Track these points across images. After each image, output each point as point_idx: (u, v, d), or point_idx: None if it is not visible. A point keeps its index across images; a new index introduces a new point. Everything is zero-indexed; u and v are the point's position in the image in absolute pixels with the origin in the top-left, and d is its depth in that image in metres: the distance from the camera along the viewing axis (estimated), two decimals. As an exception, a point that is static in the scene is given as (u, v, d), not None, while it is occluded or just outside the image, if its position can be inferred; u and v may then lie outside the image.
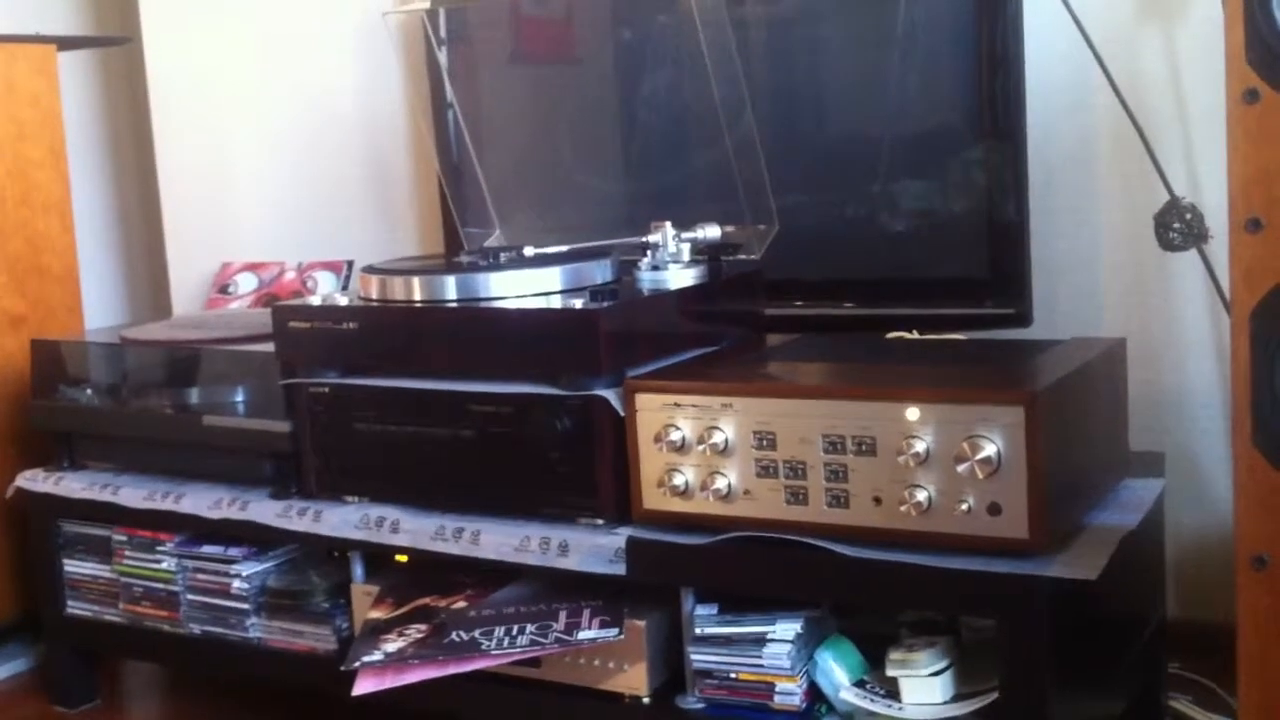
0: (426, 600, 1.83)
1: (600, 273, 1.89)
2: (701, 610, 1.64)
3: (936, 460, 1.48)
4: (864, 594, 1.57)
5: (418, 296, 1.84)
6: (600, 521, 1.70)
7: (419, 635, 1.76)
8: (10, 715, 2.30)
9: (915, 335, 1.95)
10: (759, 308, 2.00)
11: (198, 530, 2.05)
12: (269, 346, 1.95)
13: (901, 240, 2.04)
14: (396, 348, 1.84)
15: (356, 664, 1.75)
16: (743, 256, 1.98)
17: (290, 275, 2.68)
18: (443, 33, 2.38)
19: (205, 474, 2.07)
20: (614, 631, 1.66)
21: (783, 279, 2.03)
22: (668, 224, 1.91)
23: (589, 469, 1.70)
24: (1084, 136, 2.08)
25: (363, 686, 1.73)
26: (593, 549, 1.67)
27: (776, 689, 1.59)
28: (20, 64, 2.49)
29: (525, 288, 1.82)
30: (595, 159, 2.33)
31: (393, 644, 1.76)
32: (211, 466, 2.05)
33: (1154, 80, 2.03)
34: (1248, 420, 1.26)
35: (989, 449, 1.44)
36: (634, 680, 1.69)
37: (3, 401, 2.40)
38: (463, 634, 1.73)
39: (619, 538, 1.66)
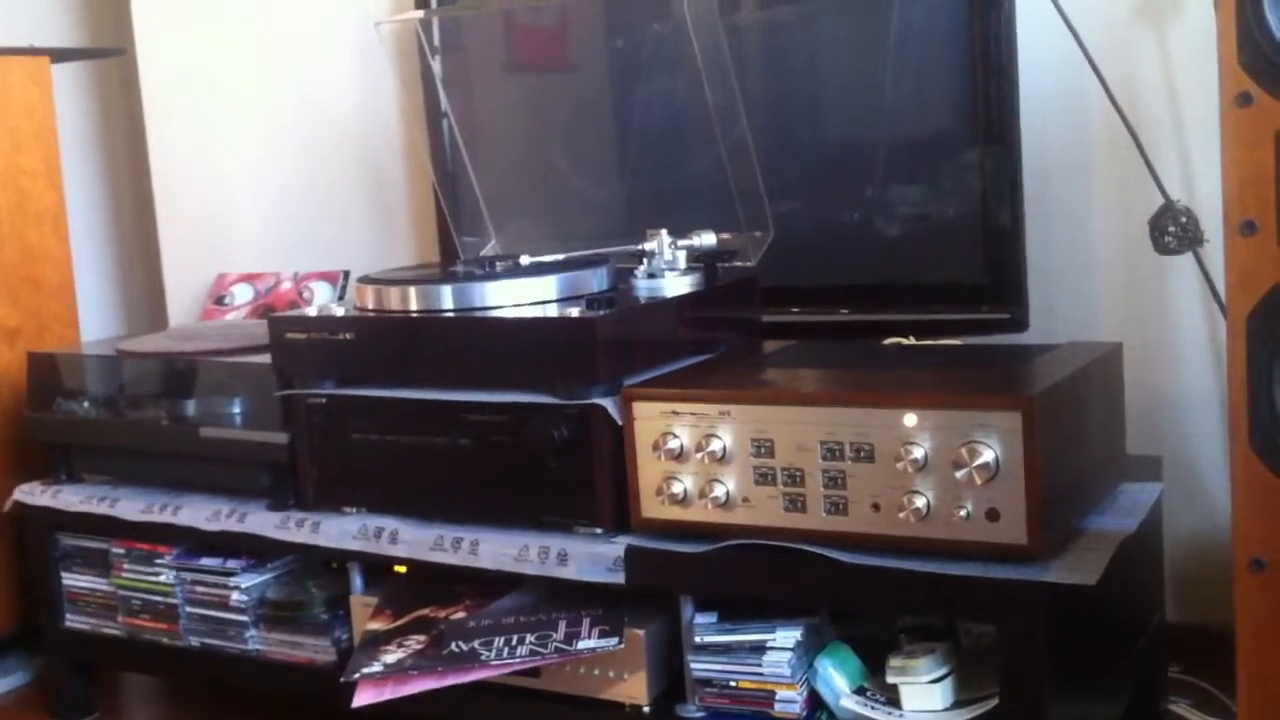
0: (425, 611, 1.83)
1: (596, 281, 1.89)
2: (701, 618, 1.64)
3: (934, 466, 1.48)
4: (863, 601, 1.57)
5: (414, 306, 1.84)
6: (599, 530, 1.70)
7: (418, 646, 1.76)
8: (9, 729, 2.30)
9: (912, 341, 1.95)
10: (755, 314, 2.00)
11: (196, 542, 2.04)
12: (266, 358, 1.95)
13: (897, 246, 2.04)
14: (393, 358, 1.84)
15: (356, 675, 1.74)
16: (739, 263, 1.98)
17: (286, 286, 2.68)
18: (436, 42, 2.38)
19: (203, 486, 2.07)
20: (613, 640, 1.66)
21: (779, 285, 2.03)
22: (663, 231, 1.92)
23: (587, 478, 1.69)
24: (1078, 141, 2.09)
25: (362, 698, 1.73)
26: (591, 558, 1.67)
27: (777, 697, 1.59)
28: (14, 76, 2.48)
29: (522, 296, 1.82)
30: (590, 167, 2.33)
31: (392, 655, 1.76)
32: (209, 478, 2.05)
33: (1148, 84, 2.03)
34: (1245, 424, 1.26)
35: (987, 454, 1.44)
36: (634, 689, 1.68)
37: (-1, 415, 2.41)
38: (462, 644, 1.72)
39: (618, 546, 1.66)
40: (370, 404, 1.85)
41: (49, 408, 2.23)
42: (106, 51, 2.94)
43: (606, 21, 2.31)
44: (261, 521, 1.94)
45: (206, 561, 2.04)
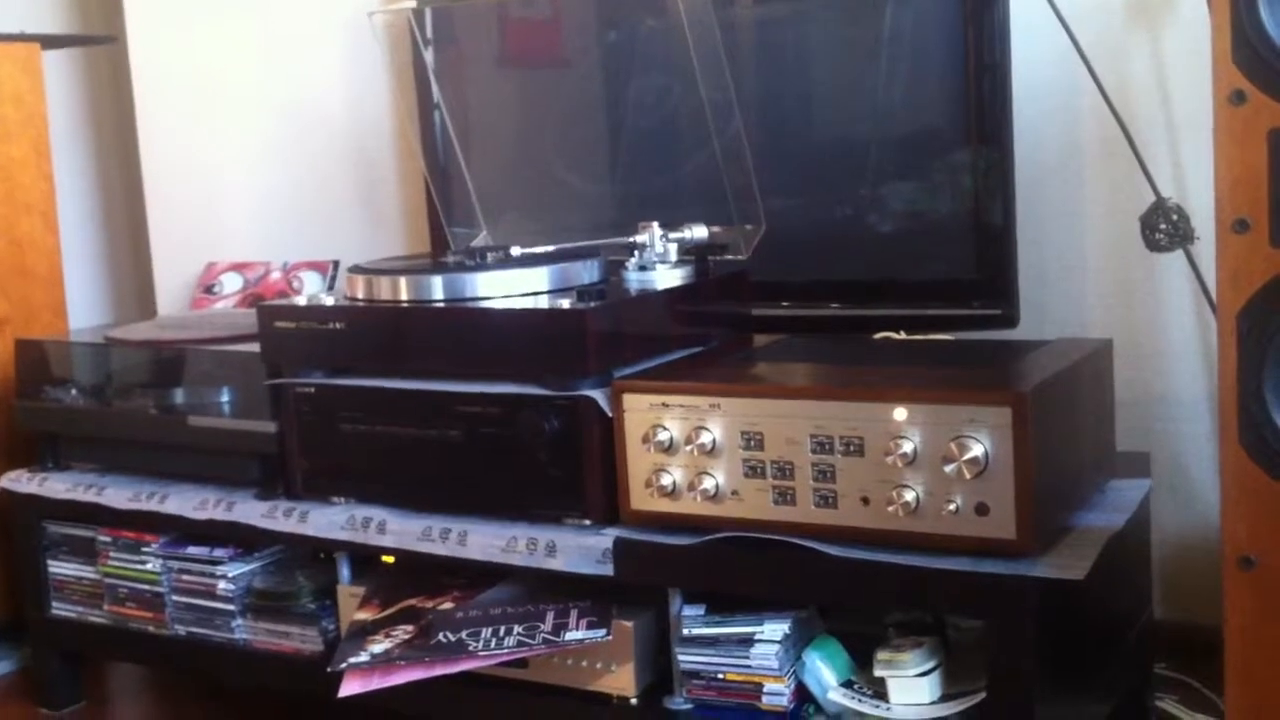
0: (413, 601, 1.83)
1: (587, 273, 1.89)
2: (689, 611, 1.64)
3: (924, 461, 1.48)
4: (852, 594, 1.57)
5: (404, 296, 1.84)
6: (588, 522, 1.70)
7: (406, 636, 1.76)
8: (-6, 717, 2.29)
9: (903, 336, 1.96)
10: (746, 308, 2.00)
11: (183, 531, 2.04)
12: (254, 347, 1.95)
13: (889, 241, 2.04)
14: (383, 348, 1.83)
15: (343, 665, 1.74)
16: (730, 257, 1.98)
17: (276, 275, 2.68)
18: (429, 33, 2.37)
19: (190, 475, 2.06)
20: (601, 632, 1.66)
21: (770, 280, 2.03)
22: (655, 224, 1.91)
23: (576, 469, 1.69)
24: (1071, 138, 2.09)
25: (349, 688, 1.73)
26: (580, 549, 1.67)
27: (764, 689, 1.59)
28: (4, 63, 2.48)
29: (512, 288, 1.82)
30: (582, 160, 2.33)
31: (379, 645, 1.76)
32: (197, 467, 2.05)
33: (1141, 82, 2.04)
34: (1235, 421, 1.26)
35: (976, 449, 1.44)
36: (621, 681, 1.68)
37: (-13, 402, 2.40)
38: (450, 635, 1.72)
39: (606, 538, 1.66)
40: (360, 394, 1.85)
41: (37, 395, 2.22)
42: (97, 39, 2.93)
43: (600, 15, 2.31)
44: (249, 511, 1.94)
45: (193, 550, 2.04)
